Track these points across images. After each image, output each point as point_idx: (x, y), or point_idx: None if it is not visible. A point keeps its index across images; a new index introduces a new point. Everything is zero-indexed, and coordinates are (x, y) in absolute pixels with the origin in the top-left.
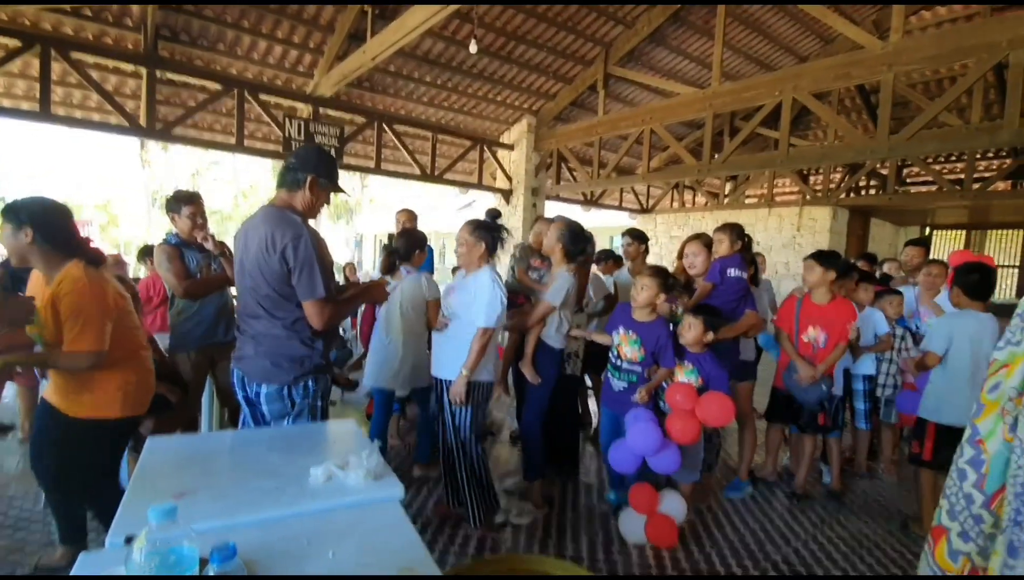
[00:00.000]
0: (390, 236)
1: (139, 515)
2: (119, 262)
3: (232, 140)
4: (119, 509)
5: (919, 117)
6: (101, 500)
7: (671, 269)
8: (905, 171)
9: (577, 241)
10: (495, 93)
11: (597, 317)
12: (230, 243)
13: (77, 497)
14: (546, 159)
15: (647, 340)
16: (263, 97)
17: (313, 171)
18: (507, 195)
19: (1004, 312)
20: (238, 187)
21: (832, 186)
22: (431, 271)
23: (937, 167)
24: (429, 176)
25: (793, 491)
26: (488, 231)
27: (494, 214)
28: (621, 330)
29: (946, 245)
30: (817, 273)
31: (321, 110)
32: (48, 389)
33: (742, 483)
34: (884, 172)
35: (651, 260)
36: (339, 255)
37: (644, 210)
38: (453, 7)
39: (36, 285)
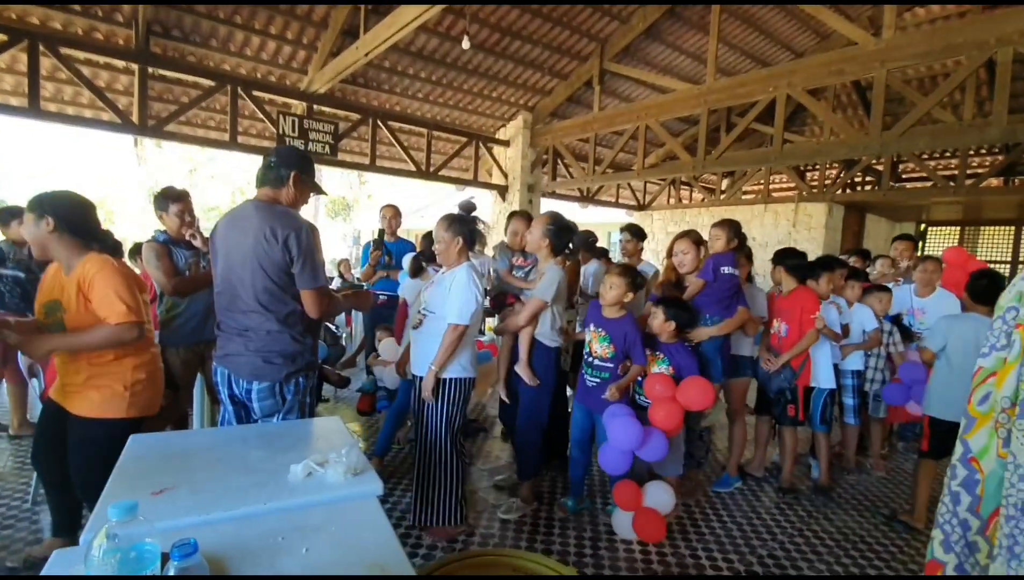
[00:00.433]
0: (380, 232)
1: None
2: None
3: (226, 137)
4: (96, 506)
5: (911, 113)
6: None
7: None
8: (901, 167)
9: (563, 234)
10: (490, 89)
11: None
12: None
13: (79, 495)
14: (542, 155)
15: (616, 337)
16: (256, 94)
17: (296, 168)
18: (503, 192)
19: None
20: (234, 184)
21: (828, 182)
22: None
23: (932, 163)
24: (424, 173)
25: (780, 485)
26: (463, 224)
27: (467, 207)
28: (592, 327)
29: (940, 241)
30: (779, 271)
31: (315, 107)
32: (54, 388)
33: (731, 478)
34: (880, 168)
35: (647, 257)
36: (337, 251)
37: (640, 207)
38: (446, 2)
39: (52, 278)
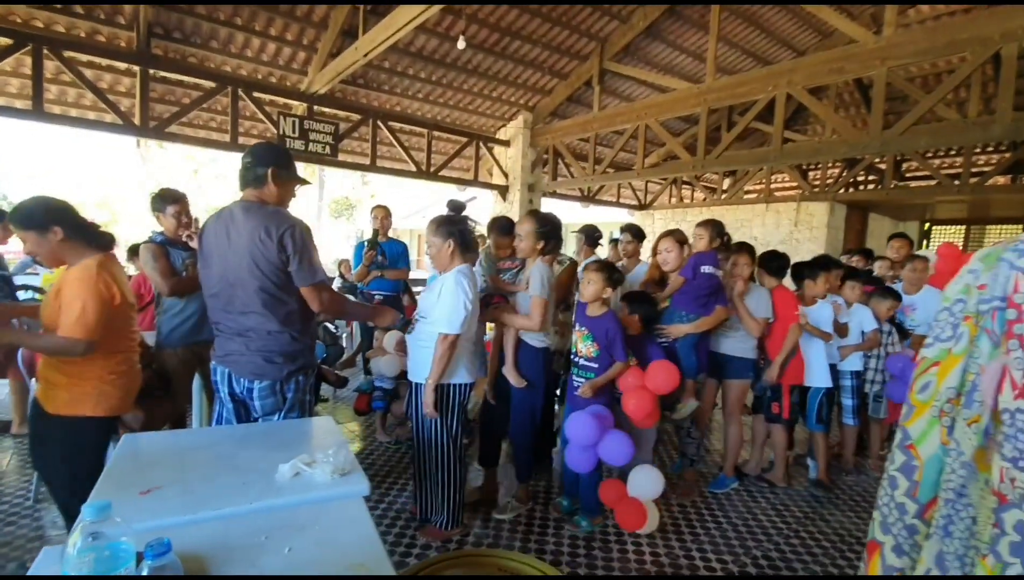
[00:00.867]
0: (374, 232)
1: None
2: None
3: (227, 138)
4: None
5: (912, 112)
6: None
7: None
8: (904, 165)
9: (551, 234)
10: (490, 89)
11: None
12: None
13: (66, 493)
14: (542, 155)
15: (598, 335)
16: (257, 95)
17: (273, 164)
18: (503, 192)
19: None
20: (237, 184)
21: (830, 181)
22: (408, 267)
23: (936, 162)
24: (425, 173)
25: (760, 475)
26: (452, 225)
27: (456, 206)
28: (577, 326)
29: (945, 240)
30: (760, 273)
31: (316, 107)
32: (37, 387)
33: (727, 479)
34: (882, 167)
35: (648, 257)
36: (340, 252)
37: (642, 206)
38: (444, 2)
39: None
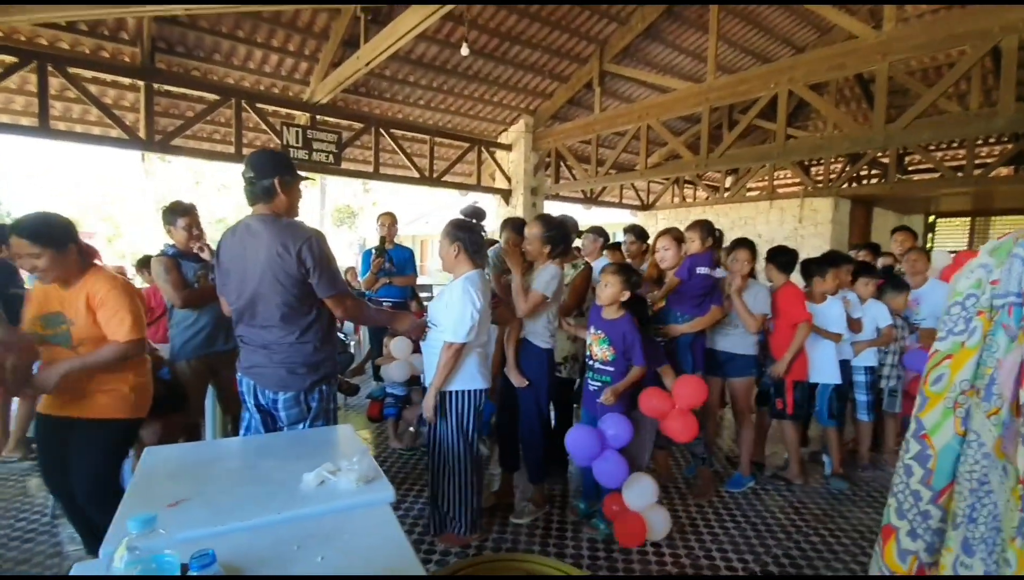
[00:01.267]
0: (381, 239)
1: None
2: (122, 275)
3: (231, 149)
4: (115, 518)
5: (915, 105)
6: (103, 509)
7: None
8: (907, 159)
9: (557, 238)
10: (491, 94)
11: None
12: None
13: (81, 500)
14: (544, 158)
15: (614, 338)
16: (260, 106)
17: (276, 174)
18: (506, 195)
19: None
20: (240, 195)
21: (833, 176)
22: (415, 273)
23: (939, 154)
24: (428, 179)
25: (775, 473)
26: (463, 231)
27: (470, 212)
28: (592, 329)
29: (950, 232)
30: (770, 268)
31: (318, 117)
32: (48, 401)
33: (743, 478)
34: (886, 161)
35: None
36: (344, 260)
37: (645, 206)
38: (445, 9)
39: (45, 291)
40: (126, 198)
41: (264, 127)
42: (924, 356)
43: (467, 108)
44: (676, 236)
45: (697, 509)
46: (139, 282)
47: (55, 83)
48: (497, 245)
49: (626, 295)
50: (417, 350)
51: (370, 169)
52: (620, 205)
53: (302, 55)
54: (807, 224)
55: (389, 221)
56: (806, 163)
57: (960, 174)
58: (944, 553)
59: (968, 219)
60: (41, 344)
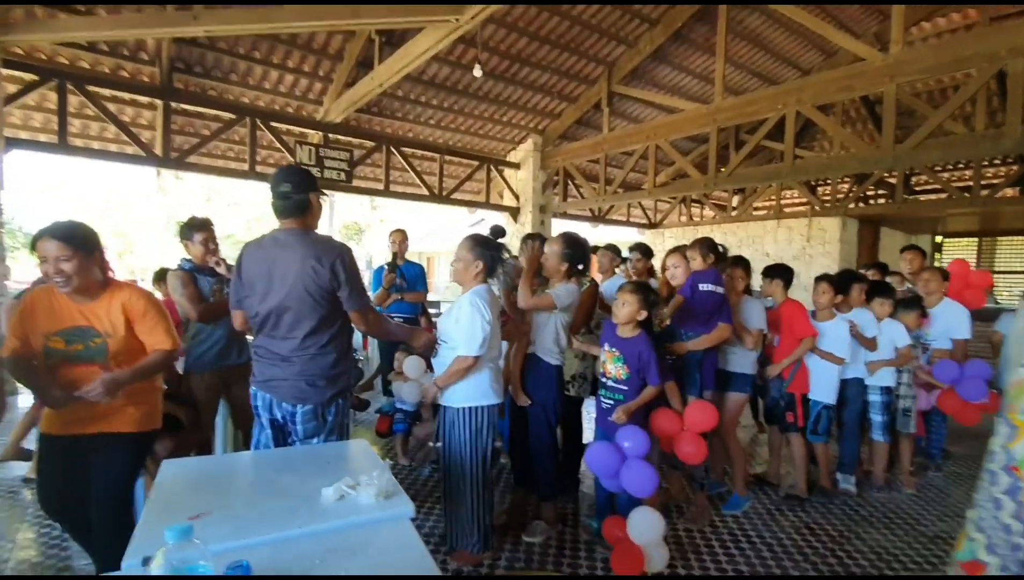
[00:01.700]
0: (393, 255)
1: (156, 537)
2: None
3: (245, 166)
4: (136, 531)
5: (922, 127)
6: (113, 525)
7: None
8: (914, 179)
9: (576, 257)
10: (501, 114)
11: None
12: None
13: (95, 516)
14: (552, 176)
15: (629, 357)
16: (274, 125)
17: (311, 188)
18: (515, 213)
19: None
20: (250, 212)
21: (840, 196)
22: (425, 289)
23: (945, 175)
24: (437, 197)
25: (786, 492)
26: (488, 249)
27: (497, 232)
28: (606, 347)
29: (957, 253)
30: (775, 285)
31: (331, 136)
32: (64, 420)
33: (740, 498)
34: (893, 181)
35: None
36: None
37: (652, 225)
38: (459, 32)
39: (56, 304)
40: (138, 214)
41: (278, 145)
42: (955, 367)
43: (477, 127)
44: (685, 254)
45: (712, 530)
46: (157, 295)
47: (74, 101)
48: (509, 262)
49: (643, 314)
50: (430, 368)
51: (381, 186)
52: (627, 223)
53: (316, 75)
54: (815, 243)
55: (400, 238)
56: (812, 183)
57: (967, 195)
58: None
59: (975, 239)
60: (61, 361)
